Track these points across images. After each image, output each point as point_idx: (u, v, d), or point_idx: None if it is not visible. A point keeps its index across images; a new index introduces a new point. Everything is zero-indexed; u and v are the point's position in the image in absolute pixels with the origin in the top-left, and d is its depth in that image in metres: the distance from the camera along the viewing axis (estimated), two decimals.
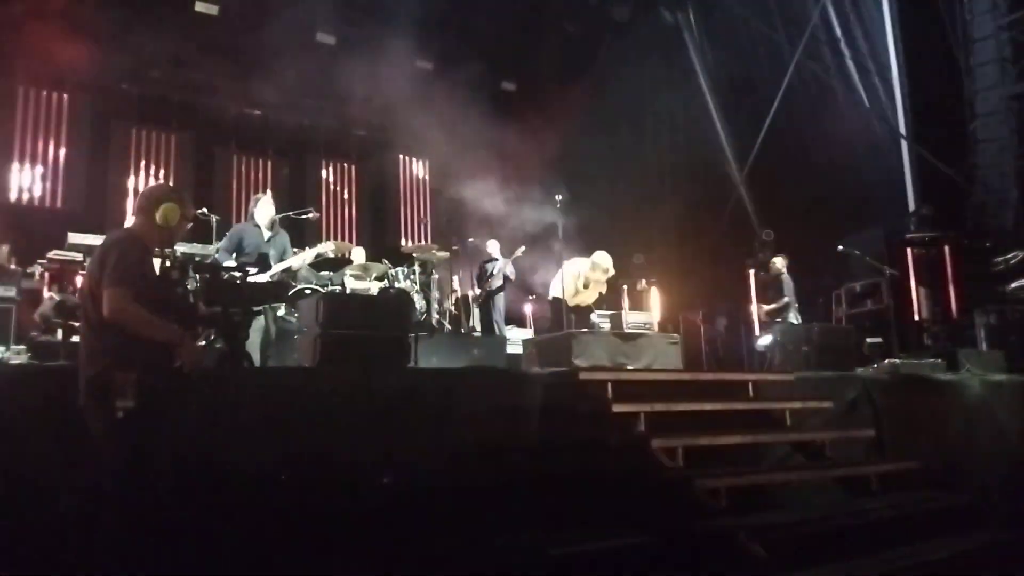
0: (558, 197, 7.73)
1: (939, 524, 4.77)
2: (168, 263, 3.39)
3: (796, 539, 4.18)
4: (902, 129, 10.00)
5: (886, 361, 7.37)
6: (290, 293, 8.12)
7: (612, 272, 7.89)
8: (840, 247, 9.09)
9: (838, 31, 10.83)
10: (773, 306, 9.42)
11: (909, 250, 9.13)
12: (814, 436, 5.63)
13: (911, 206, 9.70)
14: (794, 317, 9.23)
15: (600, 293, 8.03)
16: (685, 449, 4.82)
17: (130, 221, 3.41)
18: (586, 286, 7.78)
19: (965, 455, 5.81)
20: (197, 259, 6.98)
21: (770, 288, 9.57)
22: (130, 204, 9.88)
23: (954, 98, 9.77)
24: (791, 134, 11.37)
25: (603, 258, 7.78)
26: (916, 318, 9.05)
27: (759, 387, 5.97)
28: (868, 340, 8.61)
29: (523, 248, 9.26)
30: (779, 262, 9.54)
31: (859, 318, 9.34)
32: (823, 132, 11.00)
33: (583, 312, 7.95)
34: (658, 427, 4.95)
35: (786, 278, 9.40)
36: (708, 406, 5.43)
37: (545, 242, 8.44)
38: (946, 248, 8.88)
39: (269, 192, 7.05)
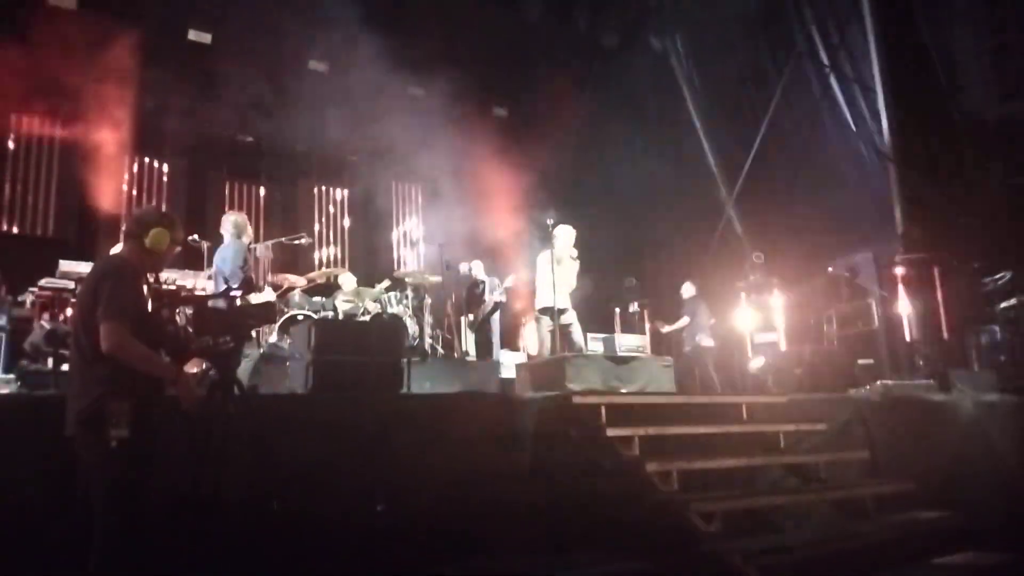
0: (549, 221, 7.77)
1: (934, 545, 4.77)
2: (157, 295, 3.36)
3: (792, 563, 4.17)
4: (889, 151, 10.10)
5: (878, 383, 7.39)
6: (282, 319, 8.13)
7: (573, 239, 7.80)
8: (830, 269, 9.15)
9: (823, 56, 10.98)
10: (672, 327, 10.06)
11: (898, 271, 9.19)
12: (808, 459, 5.63)
13: (899, 228, 9.77)
14: (703, 339, 9.73)
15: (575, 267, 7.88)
16: (679, 473, 4.81)
17: (119, 247, 3.40)
18: (559, 262, 7.67)
19: (959, 475, 5.80)
20: (187, 289, 6.98)
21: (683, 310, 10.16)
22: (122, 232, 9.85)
23: (940, 119, 9.88)
24: (780, 157, 11.48)
25: (562, 229, 7.78)
26: (907, 339, 9.08)
27: (752, 409, 5.98)
28: (859, 362, 8.64)
29: (513, 277, 9.28)
30: (687, 287, 10.19)
31: (850, 340, 9.38)
32: (811, 155, 11.11)
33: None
34: (652, 451, 4.95)
35: (694, 300, 10.00)
36: (702, 429, 5.44)
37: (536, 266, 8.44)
38: (935, 269, 8.93)
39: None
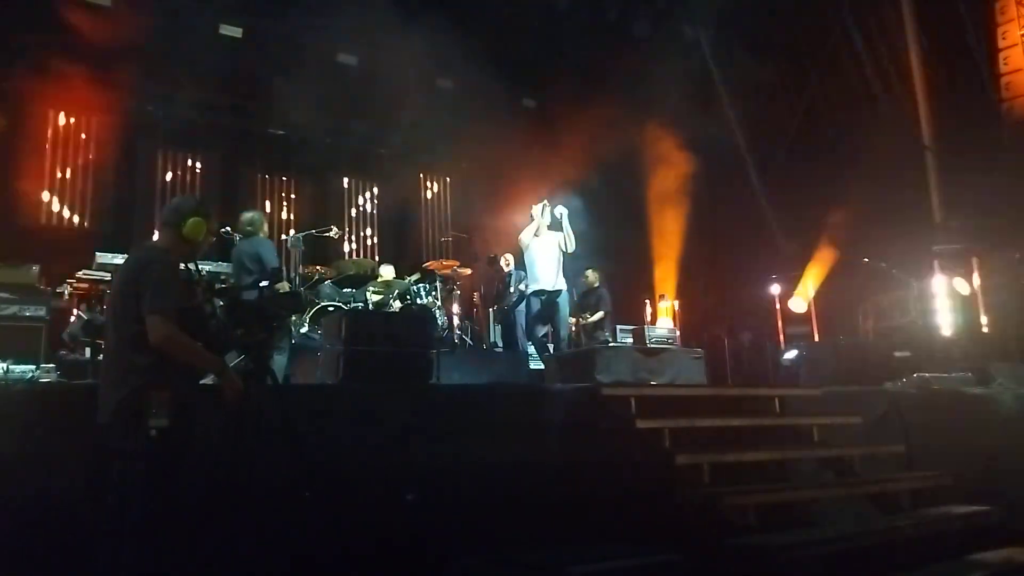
0: (561, 210, 7.68)
1: (972, 541, 4.67)
2: (201, 289, 3.40)
3: (827, 557, 4.11)
4: (926, 140, 9.89)
5: (915, 375, 7.25)
6: (313, 311, 8.21)
7: (543, 211, 7.70)
8: (865, 259, 8.99)
9: (859, 42, 10.77)
10: (593, 318, 9.41)
11: (936, 262, 9.00)
12: (843, 452, 5.55)
13: (937, 217, 9.57)
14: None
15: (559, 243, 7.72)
16: (711, 466, 4.77)
17: (155, 237, 3.44)
18: (537, 233, 7.66)
19: (998, 470, 5.67)
20: (221, 280, 7.07)
21: (590, 299, 9.58)
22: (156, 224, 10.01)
23: (979, 108, 9.65)
24: (815, 146, 11.30)
25: (535, 208, 7.73)
26: (945, 331, 8.90)
27: (785, 402, 5.91)
28: (896, 354, 8.49)
29: None
30: (592, 274, 9.59)
31: (886, 332, 9.22)
32: (847, 144, 10.92)
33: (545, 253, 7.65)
34: (683, 443, 4.91)
35: (604, 291, 9.52)
36: (734, 422, 5.38)
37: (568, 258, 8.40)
38: (974, 260, 8.74)
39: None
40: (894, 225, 9.87)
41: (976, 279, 8.73)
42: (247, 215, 6.99)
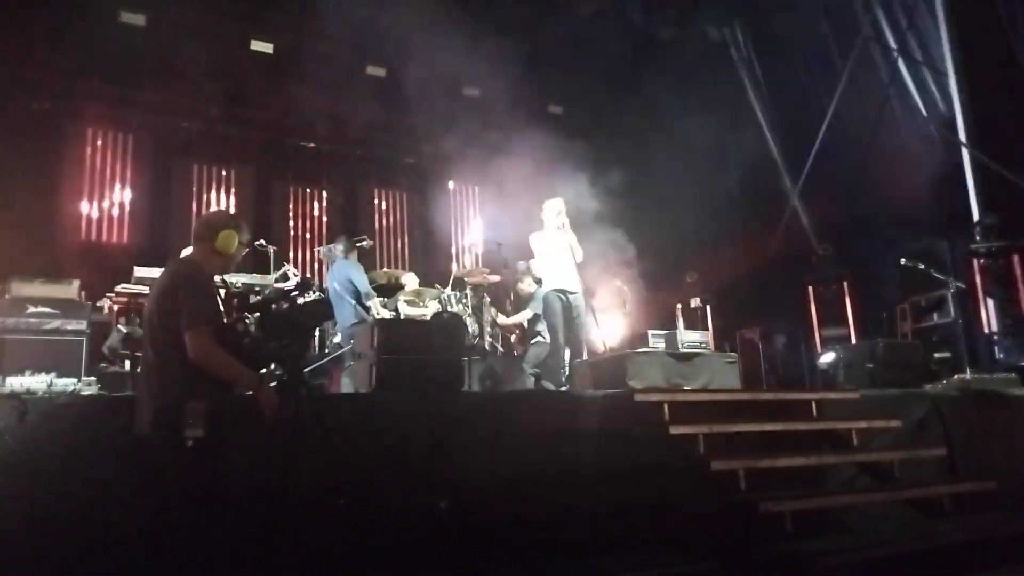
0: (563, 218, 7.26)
1: (1017, 548, 4.55)
2: (236, 306, 3.45)
3: (866, 564, 4.03)
4: (962, 136, 9.69)
5: (955, 377, 7.10)
6: None
7: (557, 210, 7.25)
8: (903, 260, 8.83)
9: (891, 40, 10.60)
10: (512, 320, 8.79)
11: (975, 261, 8.81)
12: (882, 456, 5.45)
13: (975, 216, 9.37)
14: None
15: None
16: (746, 471, 4.72)
17: (188, 250, 3.50)
18: (548, 238, 7.26)
19: None
20: (256, 292, 7.19)
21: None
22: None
23: (1017, 102, 9.44)
24: (846, 146, 11.14)
25: (547, 203, 7.35)
26: (986, 331, 8.70)
27: (822, 406, 5.81)
28: (936, 355, 8.33)
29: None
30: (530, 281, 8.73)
31: (925, 333, 9.05)
32: (880, 143, 10.74)
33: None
34: (718, 449, 4.86)
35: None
36: (769, 427, 5.31)
37: (596, 264, 8.35)
38: (1015, 258, 8.54)
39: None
40: (931, 223, 9.70)
41: (1017, 275, 8.52)
42: (342, 240, 7.90)
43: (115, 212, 10.43)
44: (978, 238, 8.87)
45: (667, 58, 12.53)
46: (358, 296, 7.58)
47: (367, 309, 7.58)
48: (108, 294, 7.23)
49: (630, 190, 10.85)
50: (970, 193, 9.56)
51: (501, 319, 9.00)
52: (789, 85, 11.90)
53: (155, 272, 7.04)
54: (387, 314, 7.92)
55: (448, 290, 8.67)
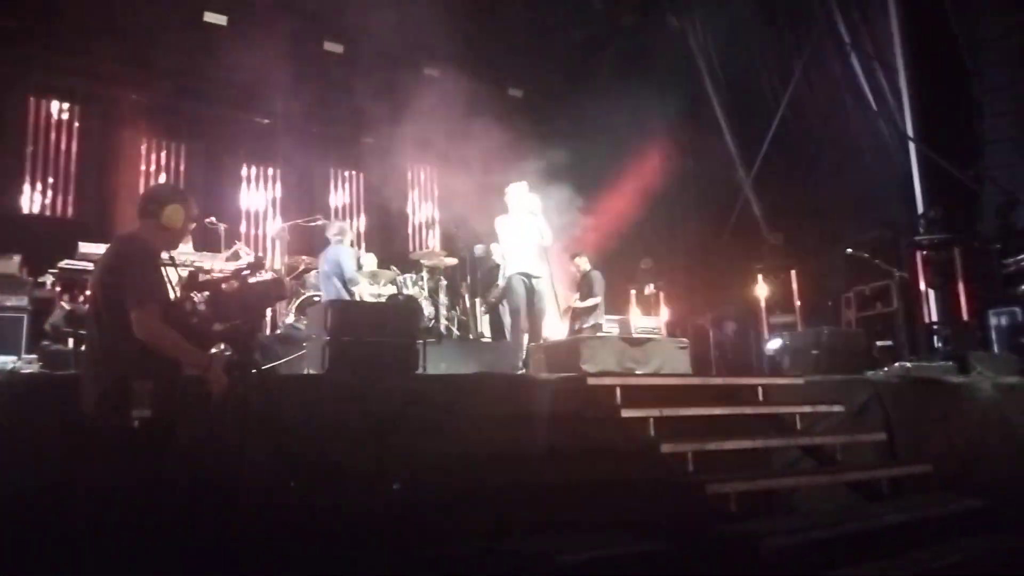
0: (535, 202, 7.26)
1: (952, 528, 4.74)
2: (184, 286, 3.36)
3: (808, 544, 4.16)
4: (910, 131, 9.95)
5: (896, 364, 7.33)
6: (299, 301, 8.18)
7: (524, 194, 7.25)
8: (849, 250, 9.06)
9: (844, 34, 10.80)
10: (586, 304, 9.06)
11: (919, 253, 9.08)
12: (824, 440, 5.60)
13: (920, 208, 9.65)
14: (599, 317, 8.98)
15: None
16: (694, 454, 4.80)
17: (134, 226, 3.39)
18: (515, 222, 7.21)
19: (977, 458, 5.76)
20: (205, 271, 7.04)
21: (582, 285, 9.26)
22: None
23: (962, 99, 9.72)
24: (798, 137, 11.36)
25: (512, 187, 7.36)
26: (926, 321, 9.00)
27: (769, 391, 5.95)
28: (878, 343, 8.57)
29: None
30: (581, 260, 9.31)
31: (869, 321, 9.31)
32: (830, 135, 10.98)
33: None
34: (667, 432, 4.94)
35: (596, 275, 9.19)
36: (717, 411, 5.41)
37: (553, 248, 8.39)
38: (956, 250, 8.82)
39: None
40: (877, 214, 9.97)
41: (958, 268, 8.81)
42: (337, 224, 8.13)
43: (59, 185, 10.10)
44: (922, 231, 9.14)
45: (627, 45, 12.59)
46: (344, 280, 7.65)
47: (351, 294, 7.68)
48: (51, 270, 7.01)
49: (586, 175, 10.91)
50: (916, 186, 9.83)
51: (576, 303, 9.08)
52: (745, 75, 12.05)
53: (100, 248, 6.84)
54: (370, 299, 8.09)
55: (404, 273, 8.63)
